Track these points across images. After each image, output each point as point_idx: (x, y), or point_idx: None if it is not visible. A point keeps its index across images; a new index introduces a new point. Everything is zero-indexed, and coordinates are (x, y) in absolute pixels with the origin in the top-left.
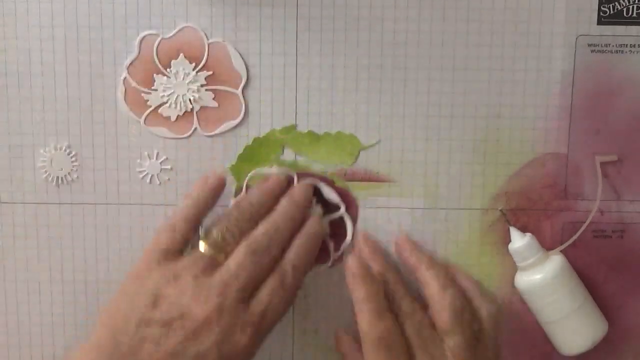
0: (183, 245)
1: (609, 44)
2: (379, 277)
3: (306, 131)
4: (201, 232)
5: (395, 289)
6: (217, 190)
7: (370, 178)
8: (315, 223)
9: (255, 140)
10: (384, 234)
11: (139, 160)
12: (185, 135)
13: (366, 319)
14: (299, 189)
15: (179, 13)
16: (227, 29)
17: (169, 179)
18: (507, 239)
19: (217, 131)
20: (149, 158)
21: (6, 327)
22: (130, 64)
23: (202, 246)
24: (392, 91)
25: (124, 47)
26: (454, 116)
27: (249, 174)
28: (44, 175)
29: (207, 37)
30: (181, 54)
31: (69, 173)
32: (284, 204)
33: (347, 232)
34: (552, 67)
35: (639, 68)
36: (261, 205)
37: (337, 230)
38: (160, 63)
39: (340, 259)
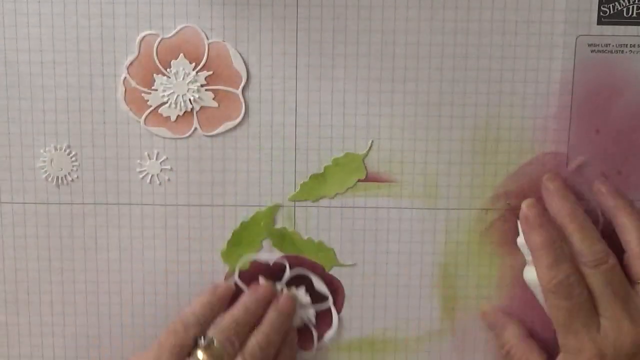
0: (193, 345)
1: (609, 44)
2: (573, 217)
3: (308, 178)
4: (203, 341)
5: (583, 235)
6: (225, 299)
7: (370, 178)
8: (294, 333)
9: (242, 224)
10: (384, 234)
11: (139, 160)
12: (185, 135)
13: (543, 267)
14: (284, 301)
15: (179, 13)
16: (227, 29)
17: (169, 179)
18: (507, 239)
19: (217, 131)
20: (149, 158)
21: (6, 327)
22: (130, 64)
23: (202, 355)
24: (392, 91)
25: (124, 47)
26: (454, 116)
27: (240, 262)
28: (44, 175)
29: (207, 37)
30: (181, 54)
31: (69, 173)
32: (274, 316)
33: (332, 323)
34: (552, 67)
35: (639, 68)
36: (255, 313)
37: (322, 319)
38: (160, 63)
39: (323, 348)
